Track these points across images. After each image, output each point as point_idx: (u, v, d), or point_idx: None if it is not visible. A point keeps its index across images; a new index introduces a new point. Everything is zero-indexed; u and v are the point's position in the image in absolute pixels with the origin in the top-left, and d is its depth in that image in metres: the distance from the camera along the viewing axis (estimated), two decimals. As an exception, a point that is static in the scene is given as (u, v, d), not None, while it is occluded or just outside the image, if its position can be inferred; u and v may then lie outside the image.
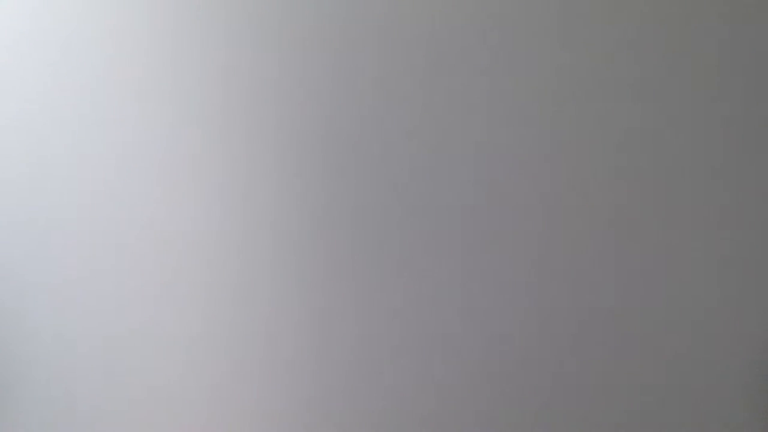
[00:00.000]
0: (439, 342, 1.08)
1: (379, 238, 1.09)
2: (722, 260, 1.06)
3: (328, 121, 1.09)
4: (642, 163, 1.07)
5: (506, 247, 1.08)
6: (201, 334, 1.10)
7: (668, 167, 1.07)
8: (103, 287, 1.10)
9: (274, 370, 1.10)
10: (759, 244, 1.06)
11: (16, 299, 1.11)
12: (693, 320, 1.06)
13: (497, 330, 1.08)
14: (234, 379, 1.10)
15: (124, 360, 1.10)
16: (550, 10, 1.07)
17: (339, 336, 1.09)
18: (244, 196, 1.09)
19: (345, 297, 1.09)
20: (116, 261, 1.10)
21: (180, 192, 1.10)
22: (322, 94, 1.09)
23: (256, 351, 1.10)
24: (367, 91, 1.08)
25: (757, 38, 1.06)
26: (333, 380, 1.09)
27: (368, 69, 1.08)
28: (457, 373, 1.08)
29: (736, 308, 1.06)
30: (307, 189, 1.09)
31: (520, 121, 1.07)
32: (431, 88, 1.08)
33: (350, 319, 1.09)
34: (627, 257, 1.07)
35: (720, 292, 1.06)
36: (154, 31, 1.10)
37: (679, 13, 1.06)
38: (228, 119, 1.09)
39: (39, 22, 1.10)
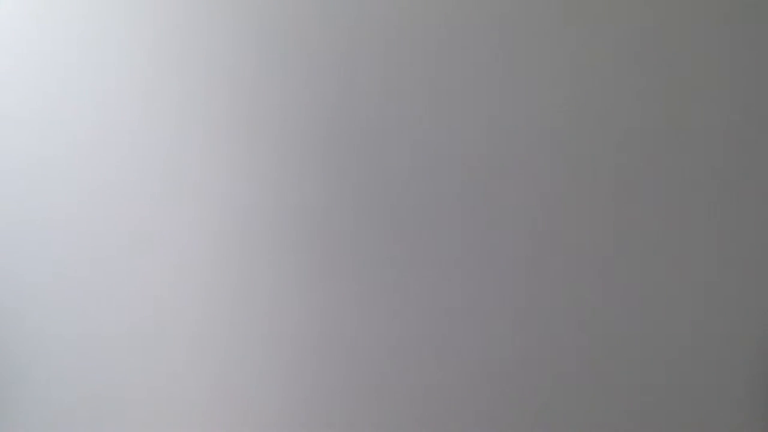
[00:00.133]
0: (438, 342, 1.08)
1: (379, 237, 1.09)
2: (722, 260, 1.06)
3: (329, 121, 1.09)
4: (642, 162, 1.07)
5: (506, 247, 1.08)
6: (201, 334, 1.10)
7: (668, 167, 1.07)
8: (103, 287, 1.10)
9: (275, 370, 1.10)
10: (759, 244, 1.06)
11: (16, 299, 1.11)
12: (693, 320, 1.06)
13: (497, 330, 1.08)
14: (234, 379, 1.10)
15: (124, 360, 1.10)
16: (551, 11, 1.07)
17: (339, 336, 1.09)
18: (244, 196, 1.09)
19: (345, 297, 1.09)
20: (116, 261, 1.10)
21: (181, 192, 1.10)
22: (324, 94, 1.09)
23: (256, 351, 1.10)
24: (367, 91, 1.08)
25: (758, 38, 1.06)
26: (333, 380, 1.09)
27: (369, 69, 1.08)
28: (457, 372, 1.08)
29: (736, 308, 1.06)
30: (308, 189, 1.09)
31: (520, 121, 1.07)
32: (431, 88, 1.08)
33: (350, 319, 1.09)
34: (627, 257, 1.07)
35: (720, 292, 1.06)
36: (156, 32, 1.10)
37: (679, 13, 1.06)
38: (229, 119, 1.09)
39: (42, 23, 1.10)
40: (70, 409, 1.10)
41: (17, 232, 1.11)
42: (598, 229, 1.07)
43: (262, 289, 1.09)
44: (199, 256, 1.09)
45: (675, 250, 1.07)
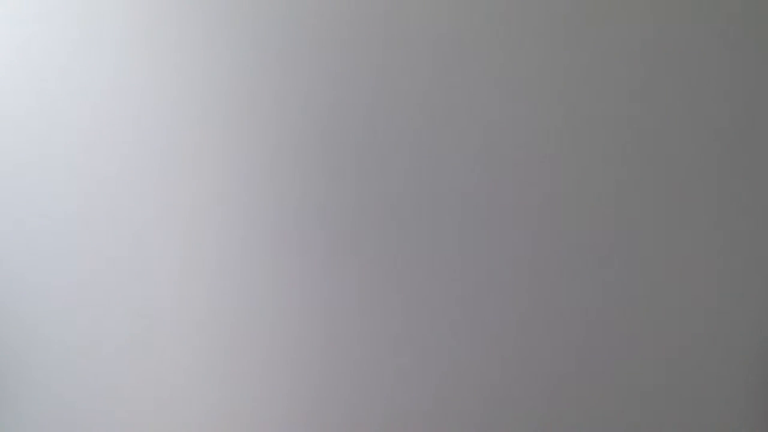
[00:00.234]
0: (439, 342, 1.08)
1: (380, 236, 1.09)
2: (722, 260, 1.06)
3: (330, 119, 1.09)
4: (642, 162, 1.07)
5: (506, 247, 1.08)
6: (203, 333, 1.10)
7: (669, 167, 1.07)
8: (103, 288, 1.10)
9: (276, 369, 1.10)
10: (759, 244, 1.06)
11: (16, 300, 1.11)
12: (693, 320, 1.06)
13: (497, 329, 1.08)
14: (235, 378, 1.10)
15: (124, 360, 1.10)
16: (551, 11, 1.07)
17: (340, 336, 1.09)
18: (245, 195, 1.09)
19: (346, 297, 1.09)
20: (117, 262, 1.10)
21: (181, 192, 1.10)
22: (324, 93, 1.09)
23: (257, 350, 1.10)
24: (367, 91, 1.08)
25: (758, 38, 1.06)
26: (334, 379, 1.09)
27: (369, 68, 1.08)
28: (458, 371, 1.08)
29: (737, 308, 1.06)
30: (309, 188, 1.09)
31: (519, 121, 1.07)
32: (431, 88, 1.08)
33: (351, 319, 1.09)
34: (627, 257, 1.07)
35: (720, 292, 1.06)
36: (155, 33, 1.10)
37: (680, 13, 1.06)
38: (230, 118, 1.09)
39: (44, 25, 1.10)
40: (71, 409, 1.10)
41: (17, 232, 1.11)
42: (598, 229, 1.07)
43: (263, 288, 1.09)
44: (200, 257, 1.09)
45: (675, 250, 1.06)
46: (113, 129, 1.10)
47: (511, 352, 1.08)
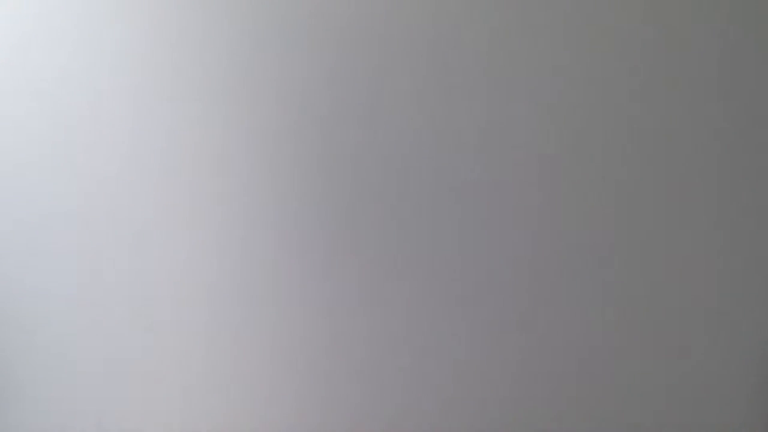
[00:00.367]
0: (439, 341, 1.08)
1: (381, 237, 1.09)
2: (722, 260, 1.06)
3: (330, 119, 1.09)
4: (642, 162, 1.07)
5: (506, 246, 1.08)
6: (203, 335, 1.10)
7: (669, 167, 1.06)
8: (103, 288, 1.10)
9: (277, 369, 1.10)
10: (759, 244, 1.06)
11: (16, 300, 1.11)
12: (693, 320, 1.06)
13: (497, 329, 1.08)
14: (235, 378, 1.10)
15: (124, 360, 1.10)
16: (551, 11, 1.07)
17: (341, 336, 1.09)
18: (245, 195, 1.09)
19: (346, 298, 1.09)
20: (117, 262, 1.10)
21: (181, 192, 1.10)
22: (324, 93, 1.09)
23: (258, 350, 1.10)
24: (367, 90, 1.08)
25: (759, 39, 1.06)
26: (334, 379, 1.09)
27: (369, 68, 1.08)
28: (457, 371, 1.08)
29: (737, 308, 1.06)
30: (309, 187, 1.09)
31: (519, 121, 1.07)
32: (431, 88, 1.08)
33: (352, 319, 1.09)
34: (627, 257, 1.07)
35: (720, 292, 1.06)
36: (153, 33, 1.10)
37: (680, 13, 1.06)
38: (231, 119, 1.09)
39: (44, 24, 1.10)
40: (70, 410, 1.10)
41: (17, 232, 1.11)
42: (598, 229, 1.07)
43: (263, 288, 1.09)
44: (200, 256, 1.09)
45: (675, 250, 1.06)
46: (113, 129, 1.10)
47: (511, 352, 1.08)
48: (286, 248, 1.09)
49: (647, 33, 1.06)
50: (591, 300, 1.07)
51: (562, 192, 1.07)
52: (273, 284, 1.09)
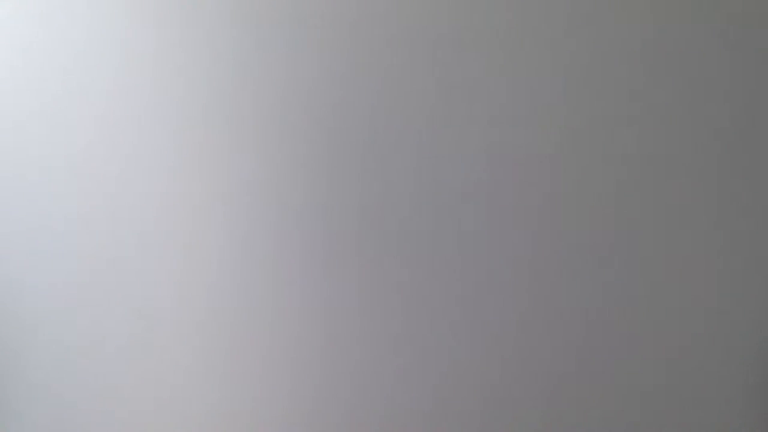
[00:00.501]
0: (439, 341, 1.08)
1: (381, 238, 1.09)
2: (722, 260, 1.06)
3: (332, 119, 1.09)
4: (642, 162, 1.07)
5: (506, 247, 1.08)
6: (202, 334, 1.10)
7: (669, 167, 1.06)
8: (103, 288, 1.10)
9: (277, 369, 1.10)
10: (759, 244, 1.06)
11: (16, 300, 1.11)
12: (693, 320, 1.06)
13: (497, 329, 1.08)
14: (235, 378, 1.10)
15: (124, 360, 1.10)
16: (551, 10, 1.07)
17: (341, 336, 1.09)
18: (246, 195, 1.09)
19: (347, 297, 1.09)
20: (117, 262, 1.10)
21: (182, 192, 1.10)
22: (325, 94, 1.09)
23: (257, 351, 1.10)
24: (369, 91, 1.08)
25: (759, 39, 1.06)
26: (334, 379, 1.09)
27: (371, 68, 1.08)
28: (457, 371, 1.08)
29: (737, 308, 1.06)
30: (310, 188, 1.09)
31: (520, 121, 1.07)
32: (432, 89, 1.08)
33: (353, 319, 1.09)
34: (627, 257, 1.07)
35: (720, 292, 1.06)
36: (158, 35, 1.10)
37: (680, 13, 1.06)
38: (231, 120, 1.09)
39: (45, 25, 1.10)
40: (71, 409, 1.10)
41: (17, 232, 1.11)
42: (598, 229, 1.07)
43: (264, 288, 1.09)
44: (201, 256, 1.09)
45: (675, 250, 1.06)
46: (114, 129, 1.10)
47: (511, 352, 1.08)
48: (286, 248, 1.09)
49: (647, 33, 1.06)
50: (591, 300, 1.07)
51: (563, 192, 1.07)
52: (273, 284, 1.09)
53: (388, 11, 1.08)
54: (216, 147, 1.09)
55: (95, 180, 1.10)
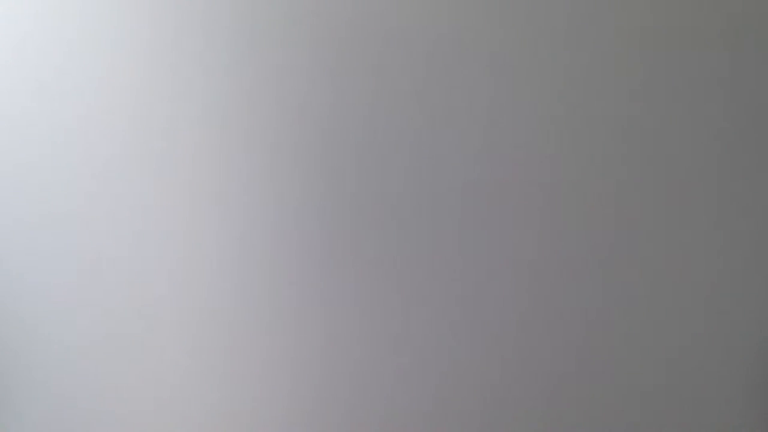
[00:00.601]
0: (439, 341, 1.08)
1: (380, 238, 1.09)
2: (722, 260, 1.06)
3: (329, 118, 1.09)
4: (642, 162, 1.07)
5: (506, 247, 1.08)
6: (202, 334, 1.10)
7: (669, 167, 1.06)
8: (103, 288, 1.10)
9: (275, 370, 1.10)
10: (759, 244, 1.06)
11: (16, 300, 1.11)
12: (693, 320, 1.06)
13: (497, 329, 1.08)
14: (235, 378, 1.10)
15: (124, 360, 1.10)
16: (551, 10, 1.07)
17: (340, 336, 1.09)
18: (244, 195, 1.09)
19: (346, 298, 1.09)
20: (117, 262, 1.10)
21: (181, 192, 1.10)
22: (323, 93, 1.09)
23: (256, 351, 1.10)
24: (367, 90, 1.08)
25: (759, 39, 1.06)
26: (334, 379, 1.09)
27: (368, 67, 1.08)
28: (457, 371, 1.08)
29: (737, 308, 1.06)
30: (308, 187, 1.09)
31: (519, 121, 1.07)
32: (431, 88, 1.08)
33: (351, 319, 1.09)
34: (627, 257, 1.07)
35: (720, 292, 1.06)
36: (153, 35, 1.10)
37: (680, 13, 1.06)
38: (229, 119, 1.09)
39: (41, 24, 1.10)
40: (71, 409, 1.10)
41: (17, 232, 1.11)
42: (598, 229, 1.07)
43: (262, 288, 1.09)
44: (199, 256, 1.10)
45: (675, 250, 1.06)
46: (112, 129, 1.10)
47: (511, 352, 1.08)
48: (285, 248, 1.09)
49: (647, 33, 1.06)
50: (591, 300, 1.07)
51: (563, 192, 1.07)
52: (273, 284, 1.09)
53: (386, 9, 1.08)
54: (214, 146, 1.09)
55: (94, 179, 1.10)
